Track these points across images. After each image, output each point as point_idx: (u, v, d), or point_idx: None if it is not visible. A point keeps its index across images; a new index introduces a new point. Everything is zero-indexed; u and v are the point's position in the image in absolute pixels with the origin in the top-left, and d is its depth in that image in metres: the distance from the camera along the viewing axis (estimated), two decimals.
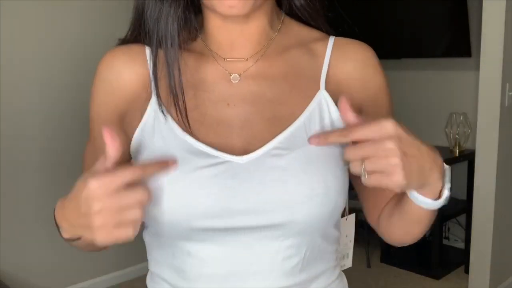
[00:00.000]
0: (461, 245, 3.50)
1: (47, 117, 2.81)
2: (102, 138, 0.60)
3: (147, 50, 0.70)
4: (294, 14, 0.75)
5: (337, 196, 0.66)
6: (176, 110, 0.66)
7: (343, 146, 0.64)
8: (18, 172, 2.74)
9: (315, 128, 0.68)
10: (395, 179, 0.58)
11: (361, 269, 3.30)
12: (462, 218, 3.43)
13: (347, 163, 0.63)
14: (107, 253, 3.13)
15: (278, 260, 0.66)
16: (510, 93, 2.66)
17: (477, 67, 2.80)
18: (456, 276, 3.21)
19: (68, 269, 2.97)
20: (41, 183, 2.83)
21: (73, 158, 2.94)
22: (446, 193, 0.70)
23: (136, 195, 0.56)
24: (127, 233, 0.56)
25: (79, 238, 0.64)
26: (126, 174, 0.56)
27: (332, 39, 0.75)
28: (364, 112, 0.71)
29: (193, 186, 0.63)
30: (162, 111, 0.67)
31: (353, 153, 0.59)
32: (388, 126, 0.57)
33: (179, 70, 0.67)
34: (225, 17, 0.67)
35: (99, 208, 0.55)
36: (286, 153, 0.65)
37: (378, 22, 3.57)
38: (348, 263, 0.84)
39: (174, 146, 0.66)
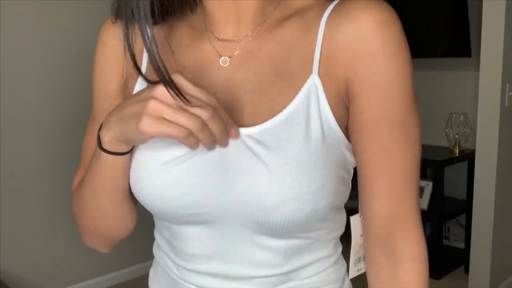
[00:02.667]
0: (461, 245, 3.50)
1: (48, 117, 2.81)
2: (102, 109, 0.61)
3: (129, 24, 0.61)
4: None
5: (316, 200, 0.59)
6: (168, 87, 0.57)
7: (336, 135, 0.60)
8: (18, 172, 2.74)
9: (299, 127, 0.58)
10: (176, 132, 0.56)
11: None
12: (462, 218, 3.43)
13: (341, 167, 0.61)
14: (106, 253, 3.13)
15: (256, 250, 0.64)
16: (510, 93, 2.66)
17: (477, 67, 2.80)
18: (456, 276, 3.21)
19: (68, 269, 2.97)
20: (41, 183, 2.83)
21: (73, 158, 2.94)
22: None
23: (195, 117, 0.54)
24: (172, 132, 0.54)
25: (116, 153, 0.62)
26: (197, 91, 0.56)
27: (335, 2, 0.61)
28: (352, 95, 0.59)
29: (170, 176, 0.61)
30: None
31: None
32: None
33: (157, 46, 0.57)
34: None
35: (160, 98, 0.54)
36: (260, 154, 0.59)
37: None
38: (363, 267, 0.73)
39: None
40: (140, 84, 0.65)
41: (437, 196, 3.12)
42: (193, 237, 0.65)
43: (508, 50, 2.60)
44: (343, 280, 0.73)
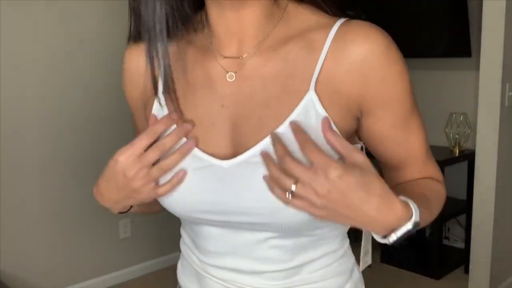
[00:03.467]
0: (461, 245, 3.50)
1: (48, 117, 2.81)
2: (137, 115, 0.78)
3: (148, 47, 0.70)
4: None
5: None
6: (174, 106, 0.70)
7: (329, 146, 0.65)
8: (19, 172, 2.74)
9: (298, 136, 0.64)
10: (315, 214, 0.60)
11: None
12: (462, 218, 3.43)
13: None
14: (107, 253, 3.14)
15: (264, 248, 0.71)
16: (510, 93, 2.66)
17: (477, 67, 2.80)
18: (456, 276, 3.21)
19: (68, 269, 2.97)
20: (41, 183, 2.83)
21: (73, 158, 2.94)
22: (394, 237, 0.63)
23: (155, 151, 0.66)
24: (165, 187, 0.68)
25: (130, 208, 0.76)
26: (142, 140, 0.67)
27: (336, 25, 0.66)
28: (365, 111, 0.68)
29: (184, 186, 0.69)
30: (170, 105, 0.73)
31: (290, 168, 0.58)
32: (334, 166, 0.56)
33: (170, 66, 0.68)
34: (222, 7, 0.67)
35: (133, 173, 0.67)
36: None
37: (378, 22, 3.57)
38: (369, 259, 0.83)
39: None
40: (156, 103, 0.73)
41: None
42: (211, 236, 0.73)
43: (508, 50, 2.60)
44: (351, 272, 0.79)
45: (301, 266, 0.73)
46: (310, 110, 0.65)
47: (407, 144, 0.74)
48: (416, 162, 0.75)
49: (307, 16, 0.69)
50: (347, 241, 0.80)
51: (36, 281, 2.85)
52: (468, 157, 3.21)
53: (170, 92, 0.69)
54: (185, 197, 0.69)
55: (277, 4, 0.69)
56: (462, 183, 3.42)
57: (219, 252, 0.74)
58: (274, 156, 0.62)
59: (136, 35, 0.72)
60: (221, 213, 0.69)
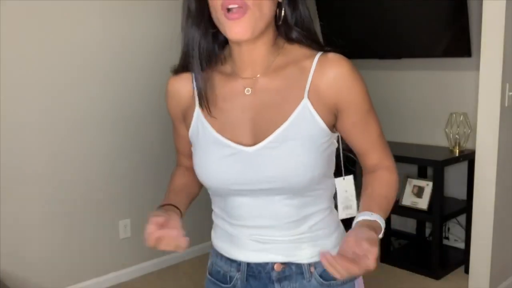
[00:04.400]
0: (461, 245, 3.50)
1: (47, 118, 2.82)
2: (177, 124, 1.12)
3: (192, 75, 1.04)
4: (292, 41, 1.04)
5: (312, 170, 0.99)
6: (206, 112, 1.03)
7: (321, 134, 0.99)
8: (19, 172, 2.74)
9: (300, 126, 0.98)
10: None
11: None
12: (462, 218, 3.43)
13: (329, 146, 1.02)
14: (106, 253, 3.14)
15: (279, 206, 1.03)
16: (510, 93, 2.66)
17: (477, 67, 2.79)
18: (456, 276, 3.21)
19: (68, 269, 2.97)
20: (41, 183, 2.83)
21: (73, 158, 2.94)
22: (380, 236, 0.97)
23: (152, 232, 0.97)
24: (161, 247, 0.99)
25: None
26: (153, 224, 0.98)
27: (317, 56, 1.00)
28: (339, 110, 1.01)
29: (221, 166, 1.01)
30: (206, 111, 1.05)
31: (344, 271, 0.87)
32: (371, 265, 0.88)
33: (202, 84, 1.02)
34: (236, 42, 0.98)
35: (149, 232, 0.97)
36: (278, 145, 0.98)
37: (378, 22, 3.57)
38: (353, 212, 1.14)
39: (207, 138, 1.03)
40: (196, 112, 1.05)
41: (437, 196, 3.12)
42: (239, 204, 1.04)
43: (508, 50, 2.60)
44: (338, 224, 1.12)
45: (304, 219, 1.04)
46: (306, 110, 0.99)
47: (367, 134, 1.05)
48: (375, 150, 1.07)
49: (297, 51, 1.02)
50: (333, 203, 1.11)
51: (36, 281, 2.85)
52: (468, 157, 3.21)
53: (203, 103, 1.02)
54: (222, 175, 1.01)
55: (276, 44, 1.03)
56: (462, 183, 3.42)
57: (245, 214, 1.04)
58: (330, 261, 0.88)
59: (179, 70, 1.06)
60: (248, 184, 1.00)
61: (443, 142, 3.45)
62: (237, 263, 1.08)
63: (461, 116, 3.28)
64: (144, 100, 3.21)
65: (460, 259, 3.33)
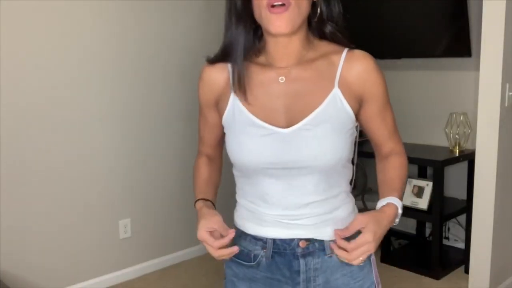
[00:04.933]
0: (461, 245, 3.50)
1: (47, 118, 2.82)
2: (207, 111, 1.21)
3: (228, 65, 1.15)
4: (324, 37, 1.16)
5: (340, 153, 1.11)
6: (243, 98, 1.12)
7: (349, 121, 1.12)
8: (19, 172, 2.74)
9: (331, 112, 1.10)
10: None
11: None
12: (462, 218, 3.43)
13: (353, 130, 1.14)
14: (107, 253, 3.14)
15: (306, 187, 1.12)
16: (510, 93, 2.66)
17: (477, 67, 2.79)
18: (456, 276, 3.21)
19: (68, 269, 2.97)
20: (41, 183, 2.83)
21: (73, 158, 2.94)
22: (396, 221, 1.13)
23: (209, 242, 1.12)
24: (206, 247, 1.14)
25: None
26: (212, 243, 1.11)
27: (345, 52, 1.13)
28: (364, 100, 1.14)
29: (257, 146, 1.10)
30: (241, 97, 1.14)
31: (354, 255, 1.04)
32: (369, 238, 1.03)
33: (243, 73, 1.12)
34: (275, 36, 1.08)
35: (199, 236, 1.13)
36: (312, 128, 1.09)
37: (378, 22, 3.57)
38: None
39: (243, 121, 1.12)
40: (232, 98, 1.14)
41: (437, 196, 3.12)
42: (268, 184, 1.13)
43: (508, 50, 2.60)
44: (354, 207, 1.22)
45: (327, 199, 1.14)
46: (336, 98, 1.10)
47: (385, 123, 1.18)
48: (391, 138, 1.21)
49: (326, 47, 1.15)
50: (350, 187, 1.22)
51: (36, 281, 2.85)
52: (468, 157, 3.21)
53: (241, 89, 1.11)
54: (256, 154, 1.10)
55: (308, 39, 1.14)
56: (462, 183, 3.42)
57: (274, 194, 1.13)
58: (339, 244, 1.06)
59: (215, 60, 1.16)
60: (280, 163, 1.10)
61: (443, 142, 3.45)
62: (262, 241, 1.16)
63: (461, 116, 3.28)
64: (144, 100, 3.21)
65: (460, 259, 3.33)
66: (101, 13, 2.97)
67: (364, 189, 3.33)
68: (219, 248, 1.09)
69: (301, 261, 1.15)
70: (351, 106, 1.11)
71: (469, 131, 3.25)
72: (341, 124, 1.10)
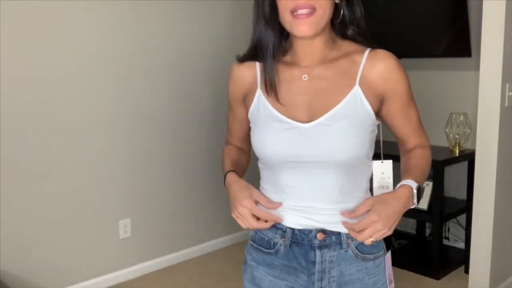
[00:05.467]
0: (461, 245, 3.50)
1: (47, 118, 2.82)
2: (235, 107, 1.29)
3: (256, 63, 1.22)
4: (346, 37, 1.21)
5: (359, 149, 1.15)
6: (269, 94, 1.19)
7: (368, 118, 1.16)
8: (19, 172, 2.74)
9: (351, 108, 1.14)
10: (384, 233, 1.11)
11: None
12: (462, 218, 3.43)
13: (373, 127, 1.19)
14: (107, 253, 3.14)
15: (325, 181, 1.17)
16: (510, 93, 2.66)
17: (477, 67, 2.79)
18: (456, 276, 3.22)
19: (68, 269, 2.97)
20: (41, 183, 2.83)
21: (72, 158, 2.94)
22: (412, 205, 1.16)
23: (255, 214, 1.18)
24: (238, 220, 1.18)
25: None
26: (253, 205, 1.17)
27: (367, 52, 1.17)
28: (386, 98, 1.18)
29: (279, 140, 1.16)
30: (267, 91, 1.20)
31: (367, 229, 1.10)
32: (374, 218, 1.08)
33: (271, 72, 1.18)
34: (300, 38, 1.15)
35: (245, 205, 1.17)
36: (332, 123, 1.14)
37: (379, 22, 3.57)
38: (385, 190, 1.27)
39: (267, 115, 1.18)
40: (258, 94, 1.22)
41: (437, 196, 3.12)
42: (288, 176, 1.19)
43: (508, 50, 2.60)
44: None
45: (345, 194, 1.18)
46: (357, 96, 1.15)
47: (408, 120, 1.23)
48: (415, 135, 1.26)
49: (348, 46, 1.20)
50: (369, 185, 1.25)
51: (36, 281, 2.85)
52: (468, 157, 3.21)
53: (271, 86, 1.18)
54: (279, 147, 1.16)
55: (331, 39, 1.19)
56: (462, 183, 3.42)
57: (294, 186, 1.19)
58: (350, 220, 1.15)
59: (245, 59, 1.23)
60: (301, 156, 1.15)
61: (443, 142, 3.45)
62: (282, 230, 1.22)
63: (461, 116, 3.28)
64: (145, 101, 3.21)
65: (460, 259, 3.33)
66: (106, 12, 2.97)
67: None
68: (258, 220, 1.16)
69: (318, 252, 1.19)
70: (371, 104, 1.15)
71: (469, 131, 3.25)
72: (360, 121, 1.15)
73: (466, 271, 3.12)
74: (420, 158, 1.24)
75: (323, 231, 1.19)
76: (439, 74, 3.52)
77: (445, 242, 3.56)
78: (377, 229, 1.07)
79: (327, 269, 1.20)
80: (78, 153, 2.96)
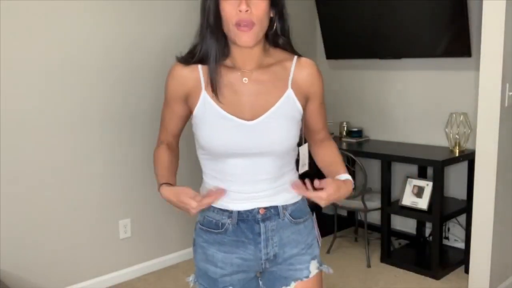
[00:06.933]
0: (461, 245, 3.50)
1: (47, 118, 2.82)
2: (174, 104, 1.43)
3: (199, 66, 1.36)
4: (277, 46, 1.41)
5: (293, 139, 1.37)
6: (214, 95, 1.34)
7: (299, 114, 1.39)
8: (19, 172, 2.74)
9: (286, 107, 1.36)
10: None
11: (361, 269, 3.30)
12: (462, 218, 3.43)
13: (300, 124, 1.41)
14: (106, 253, 3.14)
15: (266, 166, 1.38)
16: (510, 93, 2.66)
17: (477, 67, 2.80)
18: (456, 276, 3.22)
19: (68, 269, 2.98)
20: (41, 182, 2.83)
21: (72, 158, 2.94)
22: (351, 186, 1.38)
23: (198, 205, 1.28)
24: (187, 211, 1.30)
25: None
26: (191, 203, 1.27)
27: (295, 59, 1.41)
28: (309, 97, 1.42)
29: (227, 135, 1.33)
30: (214, 93, 1.35)
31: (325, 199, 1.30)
32: (324, 196, 1.27)
33: (215, 76, 1.33)
34: (241, 47, 1.32)
35: (194, 208, 1.28)
36: (271, 120, 1.34)
37: (378, 22, 3.57)
38: (306, 168, 1.53)
39: (214, 114, 1.33)
40: (203, 94, 1.36)
41: (437, 196, 3.12)
42: (234, 164, 1.36)
43: (508, 50, 2.60)
44: (297, 178, 1.46)
45: (281, 175, 1.41)
46: (290, 97, 1.37)
47: (321, 117, 1.48)
48: (324, 128, 1.52)
49: (279, 54, 1.41)
50: (294, 163, 1.49)
51: (36, 281, 2.85)
52: (468, 157, 3.21)
53: (214, 89, 1.33)
54: (227, 142, 1.33)
55: (265, 48, 1.38)
56: (462, 183, 3.42)
57: (239, 173, 1.37)
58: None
59: (188, 61, 1.36)
60: (246, 149, 1.33)
61: (443, 142, 3.45)
62: (228, 212, 1.40)
63: (461, 116, 3.28)
64: (145, 101, 3.21)
65: (460, 259, 3.33)
66: (93, 14, 2.98)
67: (364, 189, 3.32)
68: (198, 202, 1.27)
69: (261, 224, 1.41)
70: (300, 103, 1.39)
71: (469, 131, 3.25)
72: (293, 117, 1.37)
73: (466, 271, 3.12)
74: (337, 152, 1.50)
75: (264, 207, 1.40)
76: (439, 74, 3.52)
77: (445, 242, 3.56)
78: (318, 200, 1.28)
79: (269, 237, 1.41)
80: (79, 153, 2.96)
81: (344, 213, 4.09)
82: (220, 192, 1.34)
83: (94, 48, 2.97)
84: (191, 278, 1.50)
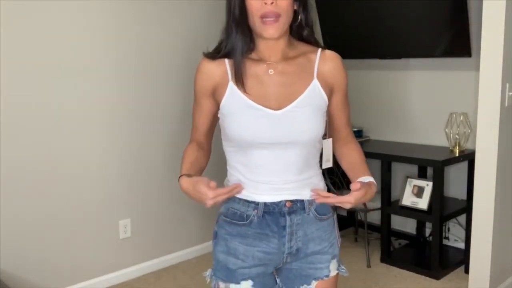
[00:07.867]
0: (461, 245, 3.50)
1: (47, 118, 2.82)
2: (203, 100, 1.43)
3: (225, 60, 1.39)
4: (301, 39, 1.44)
5: (318, 130, 1.39)
6: (241, 86, 1.37)
7: (325, 105, 1.41)
8: (19, 172, 2.74)
9: (312, 97, 1.38)
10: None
11: (361, 269, 3.30)
12: (462, 218, 3.43)
13: (326, 115, 1.43)
14: (106, 253, 3.14)
15: (291, 157, 1.39)
16: (510, 93, 2.66)
17: (477, 67, 2.79)
18: (456, 276, 3.22)
19: (68, 269, 2.98)
20: (41, 182, 2.83)
21: (73, 158, 2.94)
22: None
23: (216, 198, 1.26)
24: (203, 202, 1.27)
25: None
26: (209, 193, 1.24)
27: (319, 51, 1.43)
28: (333, 89, 1.43)
29: (254, 125, 1.35)
30: (238, 84, 1.38)
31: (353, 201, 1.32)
32: (352, 201, 1.29)
33: (241, 67, 1.36)
34: (266, 39, 1.35)
35: (212, 197, 1.25)
36: (298, 110, 1.36)
37: (378, 22, 3.57)
38: (330, 164, 1.52)
39: (242, 104, 1.36)
40: (230, 86, 1.38)
41: (437, 196, 3.12)
42: (260, 156, 1.38)
43: (508, 50, 2.60)
44: (322, 176, 1.51)
45: (306, 168, 1.42)
46: (315, 87, 1.40)
47: (345, 112, 1.50)
48: (347, 125, 1.52)
49: (303, 46, 1.43)
50: (319, 157, 1.49)
51: (36, 281, 2.85)
52: (468, 157, 3.21)
53: (240, 80, 1.36)
54: (254, 132, 1.35)
55: (290, 41, 1.41)
56: (462, 183, 3.42)
57: (265, 164, 1.38)
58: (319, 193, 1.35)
59: (214, 56, 1.39)
60: (273, 138, 1.35)
61: (443, 142, 3.45)
62: (254, 204, 1.40)
63: (461, 116, 3.28)
64: (146, 101, 3.21)
65: (460, 259, 3.33)
66: (100, 12, 2.98)
67: None
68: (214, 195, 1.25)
69: (287, 218, 1.41)
70: (326, 94, 1.40)
71: (469, 131, 3.25)
72: (319, 107, 1.39)
73: (466, 271, 3.12)
74: (362, 154, 1.51)
75: (290, 200, 1.40)
76: (439, 74, 3.52)
77: (445, 242, 3.56)
78: (345, 205, 1.31)
79: (294, 231, 1.42)
80: (78, 153, 2.96)
81: (344, 213, 4.09)
82: (238, 186, 1.35)
83: (96, 46, 2.97)
84: (207, 273, 1.49)
